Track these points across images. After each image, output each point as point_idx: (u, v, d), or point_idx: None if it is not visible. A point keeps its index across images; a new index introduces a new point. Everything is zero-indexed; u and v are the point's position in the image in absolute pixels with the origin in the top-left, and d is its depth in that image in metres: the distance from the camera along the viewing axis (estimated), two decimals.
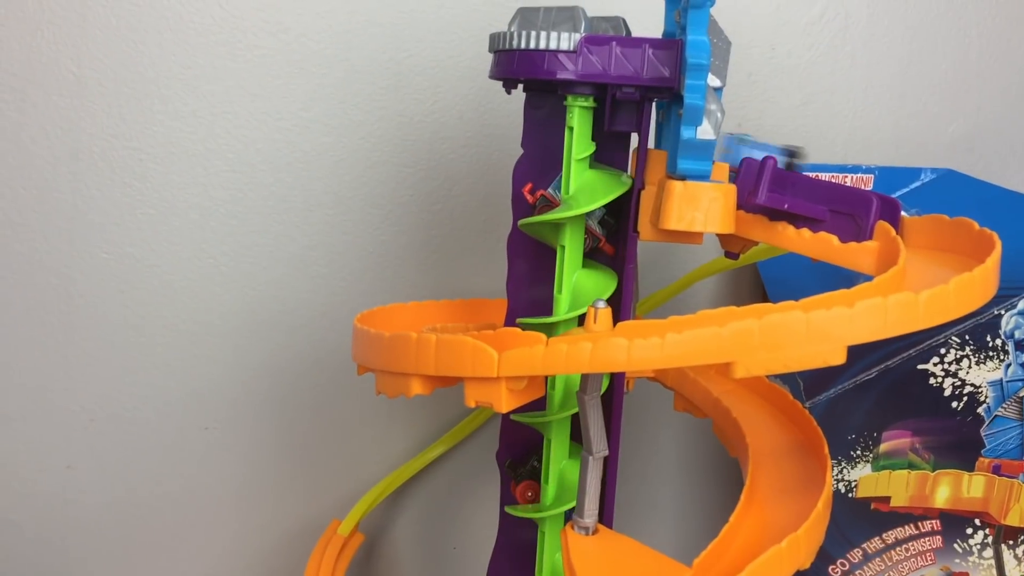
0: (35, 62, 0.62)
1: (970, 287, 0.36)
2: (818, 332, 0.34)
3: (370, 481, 0.68)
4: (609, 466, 0.48)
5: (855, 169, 0.66)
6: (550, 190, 0.46)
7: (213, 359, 0.67)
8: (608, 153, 0.47)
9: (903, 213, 0.44)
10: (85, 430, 0.67)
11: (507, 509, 0.50)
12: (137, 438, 0.67)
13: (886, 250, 0.41)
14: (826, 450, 0.44)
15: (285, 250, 0.66)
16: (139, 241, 0.64)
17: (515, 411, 0.49)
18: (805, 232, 0.43)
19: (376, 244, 0.67)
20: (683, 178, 0.42)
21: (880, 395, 0.59)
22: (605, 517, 0.48)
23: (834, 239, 0.42)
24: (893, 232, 0.41)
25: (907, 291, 0.35)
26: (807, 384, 0.59)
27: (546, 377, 0.41)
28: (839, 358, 0.35)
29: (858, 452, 0.60)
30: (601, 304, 0.39)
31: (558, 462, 0.48)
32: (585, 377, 0.42)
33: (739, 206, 0.44)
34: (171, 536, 0.69)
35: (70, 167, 0.63)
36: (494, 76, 0.46)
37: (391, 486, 0.67)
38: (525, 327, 0.43)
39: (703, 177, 0.42)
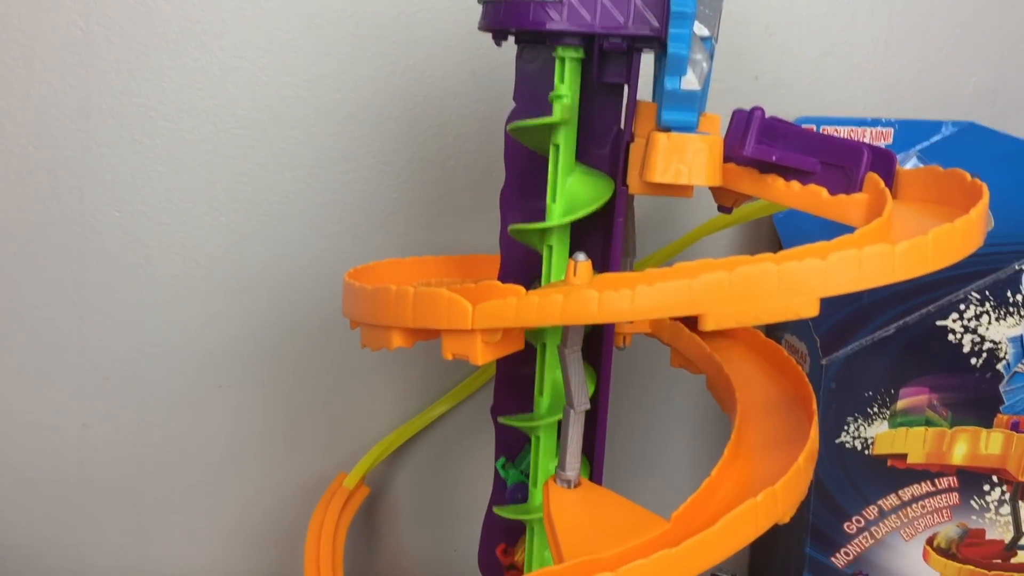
0: (42, 18, 0.62)
1: (950, 238, 0.35)
2: (790, 284, 0.34)
3: (376, 437, 0.68)
4: (599, 422, 0.48)
5: (874, 123, 0.64)
6: None
7: (226, 317, 0.67)
8: (600, 105, 0.46)
9: (910, 165, 0.43)
10: (99, 389, 0.68)
11: (497, 510, 0.50)
12: (151, 396, 0.68)
13: (874, 202, 0.40)
14: (814, 405, 0.43)
15: (296, 208, 0.66)
16: (150, 199, 0.65)
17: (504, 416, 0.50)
18: (795, 184, 0.42)
19: (388, 202, 0.67)
20: (668, 130, 0.42)
21: (898, 352, 0.58)
22: (595, 473, 0.48)
23: (823, 191, 0.41)
24: (882, 184, 0.40)
25: (883, 243, 0.34)
26: (824, 341, 0.59)
27: (524, 331, 0.41)
28: (812, 311, 0.34)
29: (875, 409, 0.59)
30: (581, 257, 0.39)
31: (552, 371, 0.48)
32: (565, 331, 0.42)
33: (728, 158, 0.43)
34: (184, 492, 0.71)
35: (79, 125, 0.63)
36: (482, 27, 0.45)
37: (396, 442, 0.68)
38: (518, 233, 0.44)
39: (689, 128, 0.41)
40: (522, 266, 0.48)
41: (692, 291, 0.34)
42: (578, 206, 0.44)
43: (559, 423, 0.46)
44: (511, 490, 0.50)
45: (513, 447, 0.51)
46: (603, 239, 0.47)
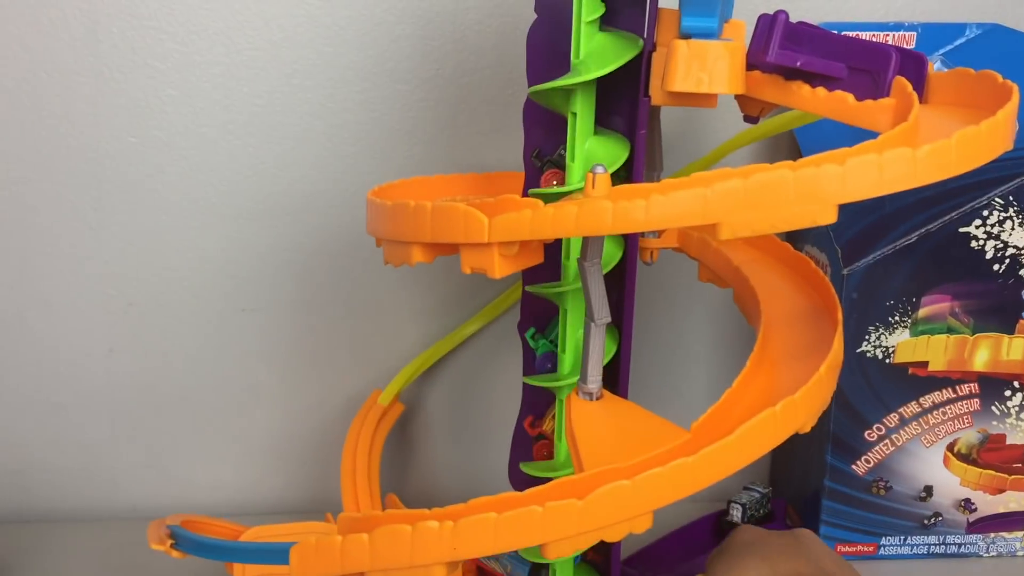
0: None
1: (975, 141, 0.34)
2: (807, 190, 0.33)
3: (402, 357, 0.69)
4: (624, 337, 0.48)
5: (897, 27, 0.63)
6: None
7: (246, 241, 0.67)
8: (623, 14, 0.45)
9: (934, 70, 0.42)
10: (125, 314, 0.68)
11: (525, 379, 0.51)
12: (176, 321, 0.69)
13: (902, 107, 0.39)
14: (839, 315, 0.43)
15: (313, 129, 0.66)
16: (164, 124, 0.65)
17: (532, 284, 0.49)
18: (820, 91, 0.41)
19: (404, 121, 0.66)
20: (689, 37, 0.41)
21: (920, 260, 0.58)
22: (620, 388, 0.48)
23: (850, 97, 0.40)
24: (909, 88, 0.39)
25: (905, 147, 0.33)
26: (845, 251, 0.58)
27: (544, 244, 0.41)
28: (829, 217, 0.34)
29: (896, 318, 0.59)
30: (600, 169, 0.38)
31: (575, 331, 0.48)
32: (585, 243, 0.41)
33: (753, 65, 0.42)
34: (214, 414, 0.72)
35: (91, 48, 0.63)
36: None
37: (430, 360, 0.69)
38: (540, 95, 0.43)
39: (709, 35, 0.41)
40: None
41: (707, 200, 0.34)
42: (601, 65, 0.43)
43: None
44: (540, 360, 0.50)
45: (542, 318, 0.51)
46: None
